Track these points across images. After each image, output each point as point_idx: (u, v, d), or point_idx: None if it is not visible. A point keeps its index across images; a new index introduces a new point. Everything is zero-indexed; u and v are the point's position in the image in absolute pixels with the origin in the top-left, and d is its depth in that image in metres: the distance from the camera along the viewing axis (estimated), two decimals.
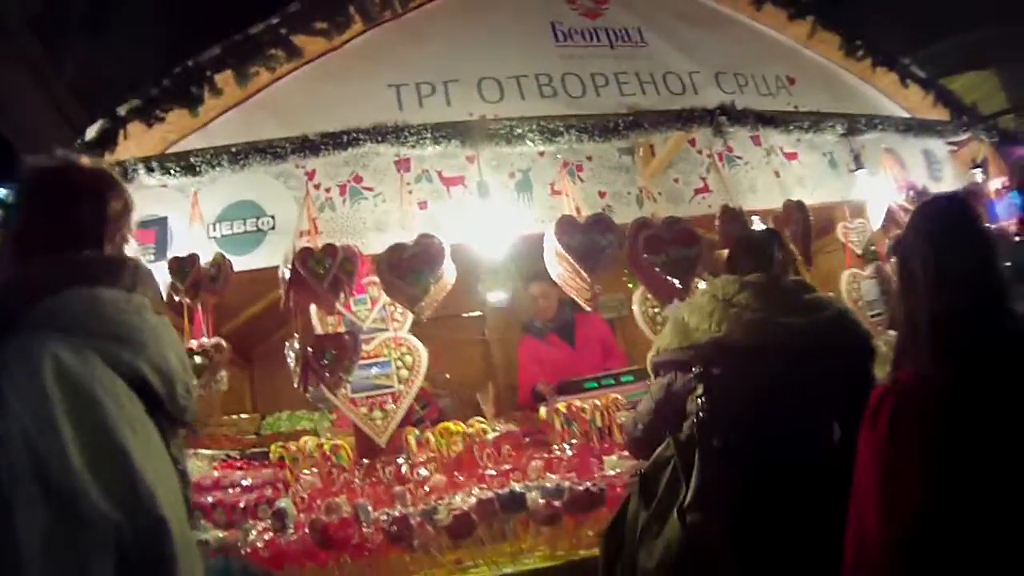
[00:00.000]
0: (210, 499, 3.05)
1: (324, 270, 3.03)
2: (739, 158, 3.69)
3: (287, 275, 3.05)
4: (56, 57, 4.12)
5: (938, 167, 4.29)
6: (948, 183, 4.24)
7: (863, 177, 3.80)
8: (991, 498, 1.44)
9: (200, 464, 3.39)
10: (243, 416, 3.78)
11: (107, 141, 3.36)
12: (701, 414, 1.95)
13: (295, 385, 3.14)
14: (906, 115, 4.25)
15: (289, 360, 3.20)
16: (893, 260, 2.01)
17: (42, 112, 3.81)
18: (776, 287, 2.11)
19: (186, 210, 3.32)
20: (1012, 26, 5.56)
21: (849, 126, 3.68)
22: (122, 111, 3.40)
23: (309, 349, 3.11)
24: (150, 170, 3.15)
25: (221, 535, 2.79)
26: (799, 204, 3.44)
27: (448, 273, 3.11)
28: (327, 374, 3.11)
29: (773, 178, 3.70)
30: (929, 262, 1.64)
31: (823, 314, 2.06)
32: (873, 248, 4.01)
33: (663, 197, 3.46)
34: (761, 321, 2.00)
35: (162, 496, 1.11)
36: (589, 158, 3.45)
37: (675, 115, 3.27)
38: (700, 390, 1.98)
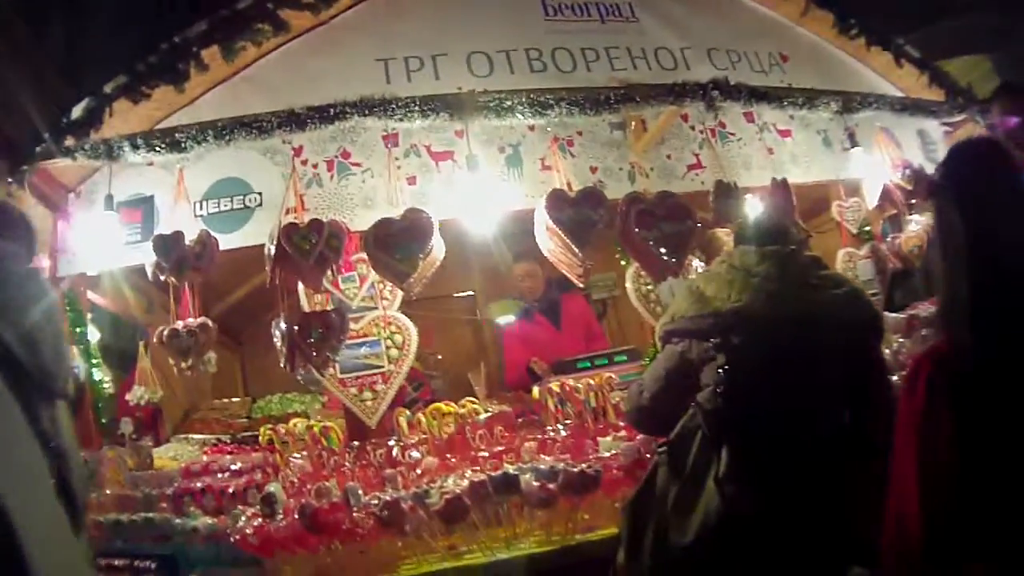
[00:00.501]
0: (199, 485, 2.99)
1: (310, 246, 2.96)
2: (732, 135, 3.64)
3: (272, 252, 3.00)
4: (38, 33, 4.06)
5: (933, 147, 4.26)
6: None
7: (858, 156, 3.76)
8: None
9: (190, 449, 3.34)
10: (234, 400, 3.72)
11: (93, 119, 3.31)
12: (723, 385, 1.92)
13: (281, 365, 3.08)
14: (901, 95, 4.21)
15: (276, 340, 3.14)
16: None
17: (25, 90, 3.75)
18: (794, 261, 2.09)
19: (172, 188, 3.27)
20: (1005, 14, 5.56)
21: (844, 104, 3.64)
22: (108, 88, 3.36)
23: (295, 327, 3.05)
24: (135, 147, 3.09)
25: (210, 522, 2.73)
26: (783, 182, 3.40)
27: (437, 248, 3.05)
28: (314, 353, 3.05)
29: (766, 155, 3.66)
30: (968, 222, 1.60)
31: (838, 290, 2.05)
32: (868, 228, 3.98)
33: (655, 173, 3.42)
34: (782, 292, 1.98)
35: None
36: (580, 133, 3.40)
37: (667, 89, 3.22)
38: (721, 359, 1.94)
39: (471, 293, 5.10)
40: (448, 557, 2.52)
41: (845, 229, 3.92)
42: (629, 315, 3.75)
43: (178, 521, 2.76)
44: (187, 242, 3.07)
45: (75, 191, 3.46)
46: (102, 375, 3.37)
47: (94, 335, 3.43)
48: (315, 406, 3.76)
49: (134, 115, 3.35)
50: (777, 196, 3.32)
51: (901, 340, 3.00)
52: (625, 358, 3.43)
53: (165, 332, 3.10)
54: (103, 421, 3.38)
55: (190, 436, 3.42)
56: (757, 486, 1.85)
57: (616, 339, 3.98)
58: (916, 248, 3.85)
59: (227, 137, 3.04)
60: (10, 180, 3.30)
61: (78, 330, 3.37)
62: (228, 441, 3.42)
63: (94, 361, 3.37)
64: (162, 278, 3.09)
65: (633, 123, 3.43)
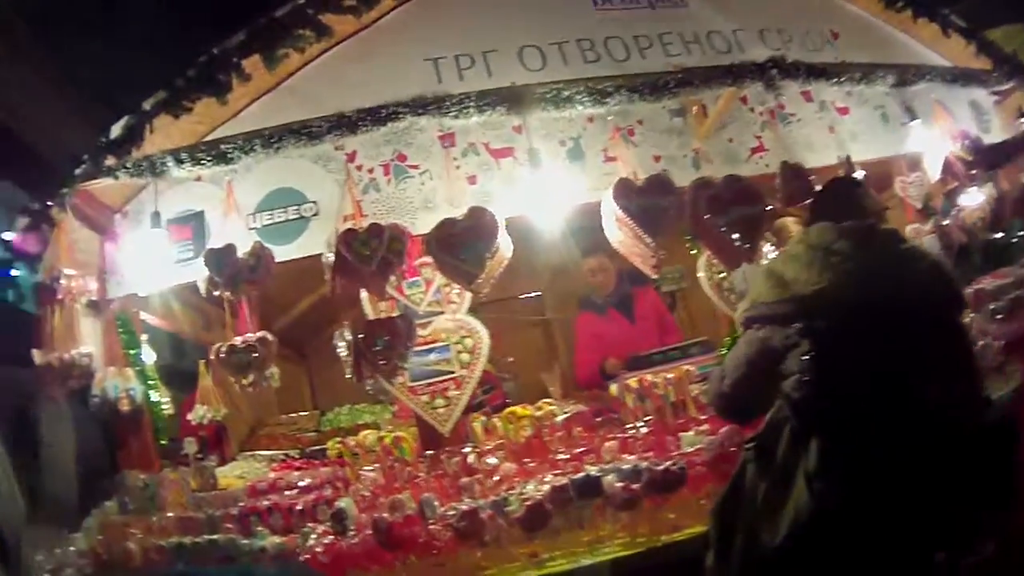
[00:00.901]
0: (266, 503, 2.89)
1: (370, 251, 2.85)
2: (792, 115, 3.54)
3: (331, 260, 2.88)
4: (68, 58, 3.98)
5: (986, 118, 4.17)
6: (997, 134, 4.12)
7: (916, 129, 3.67)
8: None
9: (257, 466, 3.23)
10: (301, 414, 3.60)
11: (134, 137, 3.21)
12: (809, 373, 1.82)
13: (348, 376, 2.97)
14: (950, 66, 4.12)
15: (340, 350, 3.03)
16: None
17: (61, 115, 3.66)
18: (873, 236, 2.00)
19: (222, 202, 3.16)
20: None
21: (898, 77, 3.54)
22: (147, 105, 3.26)
23: (360, 337, 2.94)
24: (180, 162, 3.00)
25: (278, 541, 2.63)
26: (848, 159, 3.31)
27: (504, 247, 2.94)
28: (381, 362, 2.93)
29: (828, 134, 3.56)
30: None
31: (921, 263, 1.96)
32: (932, 203, 3.88)
33: (719, 158, 3.32)
34: (864, 271, 1.89)
35: None
36: (640, 122, 3.31)
37: (725, 70, 3.13)
38: (805, 346, 1.84)
39: (538, 293, 4.98)
40: (529, 566, 2.41)
41: (909, 205, 3.82)
42: (699, 307, 3.65)
43: (244, 542, 2.67)
44: (240, 255, 2.97)
45: (121, 211, 3.36)
46: (159, 396, 3.26)
47: (150, 356, 3.32)
48: (385, 416, 3.64)
49: (176, 130, 3.26)
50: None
51: (972, 315, 2.88)
52: (699, 350, 3.31)
53: (223, 349, 2.99)
54: (163, 443, 3.27)
55: (257, 453, 3.31)
56: (849, 480, 1.76)
57: (687, 332, 3.86)
58: (979, 220, 3.75)
59: (276, 145, 2.95)
60: (49, 204, 3.21)
61: (132, 352, 3.27)
62: (296, 456, 3.31)
63: (150, 382, 3.26)
64: (216, 293, 3.00)
65: (693, 109, 3.33)
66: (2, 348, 3.72)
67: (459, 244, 2.86)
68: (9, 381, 3.40)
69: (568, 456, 2.82)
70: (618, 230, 3.01)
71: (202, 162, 2.99)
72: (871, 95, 3.69)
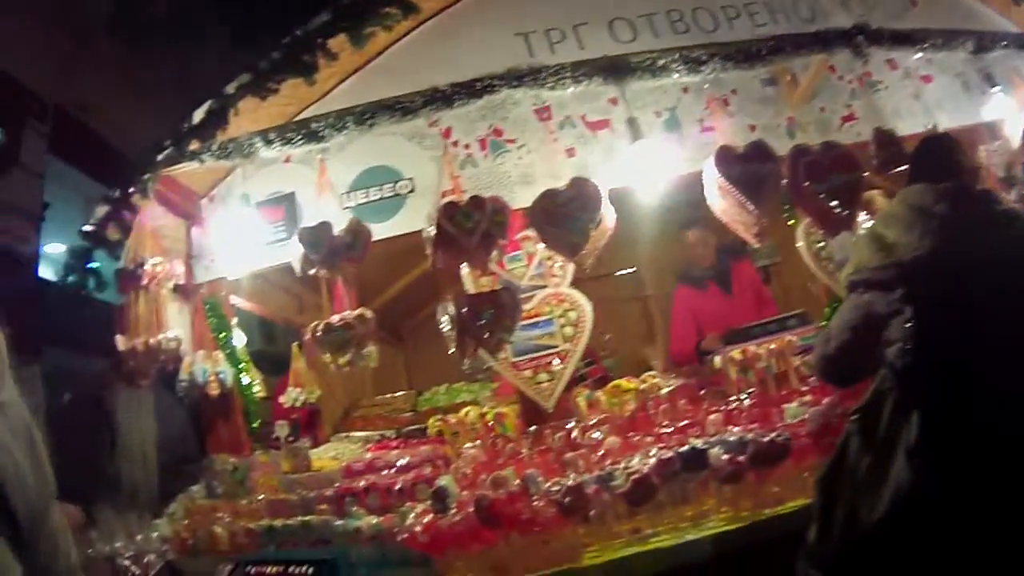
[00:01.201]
0: (363, 483, 2.82)
1: (472, 223, 2.82)
2: (879, 83, 3.52)
3: (433, 234, 2.84)
4: (145, 56, 3.96)
5: None
6: None
7: (997, 97, 3.64)
8: None
9: (352, 447, 3.18)
10: (397, 394, 3.54)
11: (218, 121, 3.17)
12: (911, 340, 1.76)
13: (452, 352, 2.91)
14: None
15: (443, 325, 2.98)
16: None
17: (134, 108, 3.64)
18: (971, 196, 1.96)
19: (314, 183, 3.14)
20: None
21: (977, 44, 3.52)
22: (231, 89, 3.23)
23: (464, 310, 2.89)
24: (270, 143, 2.98)
25: (375, 521, 2.57)
26: (935, 128, 3.28)
27: (607, 217, 2.90)
28: (486, 335, 2.89)
29: (914, 102, 3.53)
30: None
31: (1019, 224, 1.90)
32: (1013, 171, 3.84)
33: (812, 127, 3.29)
34: (965, 233, 1.84)
35: None
36: (734, 91, 3.29)
37: (813, 37, 3.11)
38: (908, 313, 1.78)
39: (633, 269, 4.93)
40: (633, 542, 2.34)
41: (993, 173, 3.78)
42: (792, 280, 3.63)
43: (339, 523, 2.61)
44: (336, 233, 2.94)
45: (207, 196, 3.33)
46: (250, 379, 3.21)
47: (240, 339, 3.28)
48: (485, 394, 3.58)
49: (263, 113, 3.23)
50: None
51: None
52: (796, 323, 3.27)
53: (319, 327, 2.94)
54: (254, 426, 3.22)
55: (351, 434, 3.26)
56: (948, 458, 1.68)
57: (782, 306, 3.83)
58: None
59: (369, 122, 2.92)
60: (131, 190, 3.18)
61: (222, 336, 3.22)
62: (393, 437, 3.25)
63: (241, 366, 3.21)
64: (311, 272, 2.96)
65: (786, 78, 3.32)
66: (77, 337, 3.69)
67: (563, 215, 2.83)
68: (85, 370, 3.36)
69: (672, 429, 2.77)
70: (721, 198, 2.96)
71: (293, 142, 2.97)
72: (951, 63, 3.66)
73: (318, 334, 2.92)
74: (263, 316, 3.51)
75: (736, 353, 3.07)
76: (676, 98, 3.25)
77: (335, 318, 2.94)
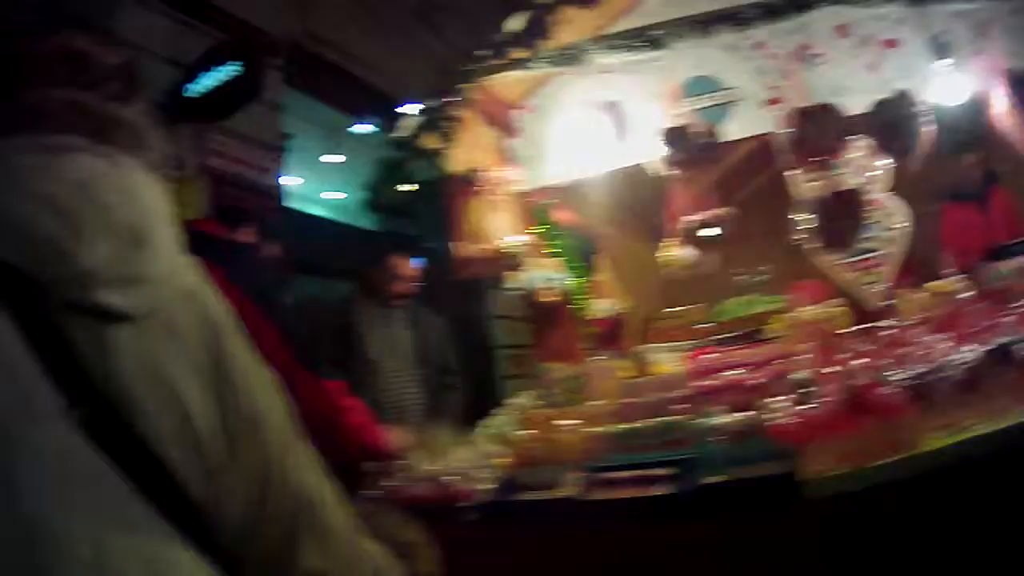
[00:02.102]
0: (716, 382, 2.83)
1: (821, 129, 3.00)
2: None
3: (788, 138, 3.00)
4: None
5: None
6: None
7: None
8: None
9: (664, 357, 3.11)
10: (688, 307, 3.47)
11: (538, 31, 3.15)
12: None
13: (805, 247, 3.04)
14: None
15: (798, 224, 3.09)
16: None
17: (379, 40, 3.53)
18: None
19: (635, 93, 3.17)
20: None
21: None
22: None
23: (817, 212, 3.04)
24: (611, 48, 3.00)
25: (734, 417, 2.60)
26: None
27: (925, 127, 3.16)
28: (838, 233, 3.05)
29: None
30: None
31: None
32: None
33: None
34: None
35: None
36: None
37: None
38: None
39: None
40: (961, 430, 2.56)
41: None
42: None
43: (699, 421, 2.62)
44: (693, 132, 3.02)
45: (521, 107, 3.25)
46: (581, 286, 3.13)
47: (569, 248, 3.19)
48: (779, 304, 3.58)
49: (577, 24, 3.22)
50: None
51: None
52: None
53: (689, 222, 2.97)
54: (591, 332, 3.12)
55: (652, 346, 3.20)
56: None
57: None
58: None
59: (707, 31, 3.00)
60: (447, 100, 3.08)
61: (551, 243, 3.13)
62: (702, 346, 3.22)
63: (573, 272, 3.13)
64: (672, 172, 2.99)
65: None
66: (318, 263, 3.43)
67: (894, 123, 3.07)
68: (330, 297, 3.14)
69: (979, 328, 3.01)
70: (1009, 120, 3.29)
71: (634, 47, 3.01)
72: None
73: (686, 230, 2.94)
74: (579, 225, 3.41)
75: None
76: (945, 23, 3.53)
77: (699, 216, 2.97)
